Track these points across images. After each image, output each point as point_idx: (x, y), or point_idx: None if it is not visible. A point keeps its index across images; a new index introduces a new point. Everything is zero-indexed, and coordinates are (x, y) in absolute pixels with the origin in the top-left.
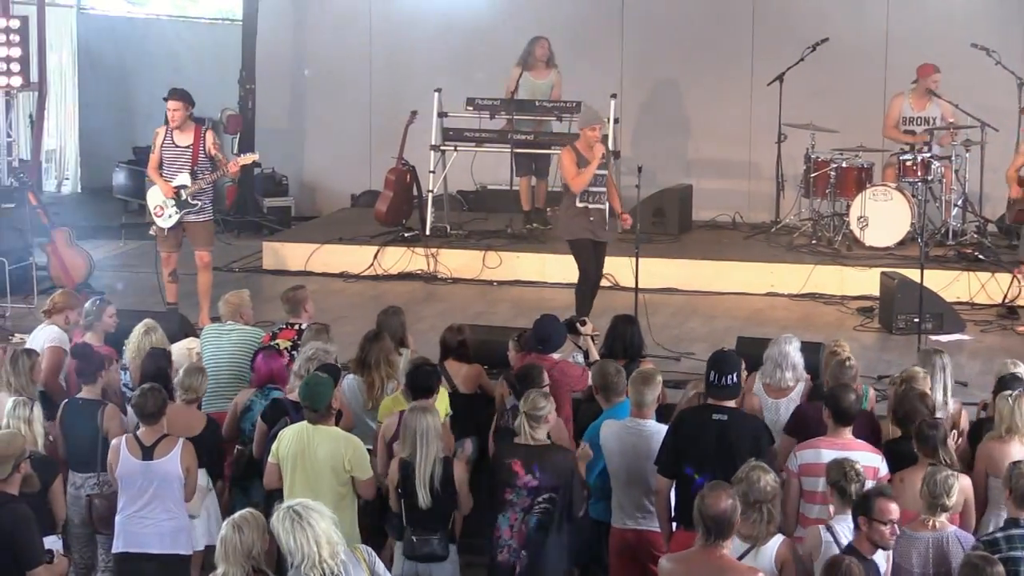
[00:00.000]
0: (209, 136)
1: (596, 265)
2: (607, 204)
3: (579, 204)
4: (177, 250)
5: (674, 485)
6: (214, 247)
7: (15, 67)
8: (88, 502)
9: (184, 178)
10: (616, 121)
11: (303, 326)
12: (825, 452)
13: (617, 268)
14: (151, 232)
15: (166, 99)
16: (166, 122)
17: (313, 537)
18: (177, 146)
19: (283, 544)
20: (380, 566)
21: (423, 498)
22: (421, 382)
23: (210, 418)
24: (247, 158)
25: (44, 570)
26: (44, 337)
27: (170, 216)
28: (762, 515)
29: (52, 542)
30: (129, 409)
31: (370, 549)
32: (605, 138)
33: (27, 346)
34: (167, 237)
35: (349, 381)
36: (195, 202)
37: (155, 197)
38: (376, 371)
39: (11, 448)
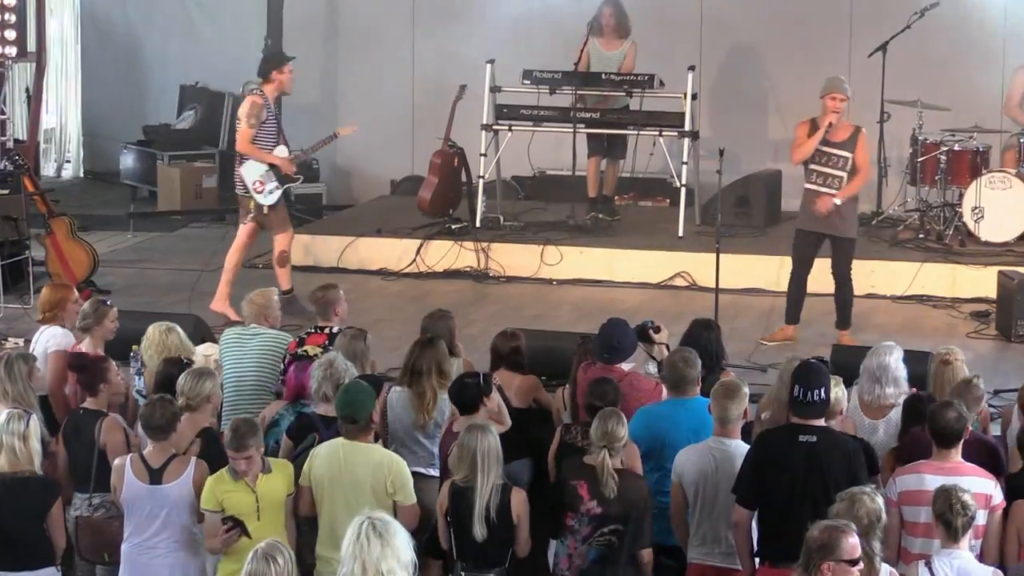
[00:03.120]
0: None
1: (837, 263)
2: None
3: (807, 185)
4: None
5: (756, 516)
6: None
7: (9, 34)
8: (74, 524)
9: (283, 150)
10: (694, 97)
11: (334, 330)
12: (929, 477)
13: (695, 266)
14: (248, 220)
15: (279, 67)
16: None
17: (381, 547)
18: (275, 117)
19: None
20: None
21: (479, 530)
22: (465, 397)
23: (207, 429)
24: (346, 129)
25: None
26: (45, 340)
27: (271, 192)
28: None
29: (50, 574)
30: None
31: None
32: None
33: (31, 351)
34: (277, 215)
35: (396, 394)
36: (298, 175)
37: (254, 171)
38: (428, 380)
39: None
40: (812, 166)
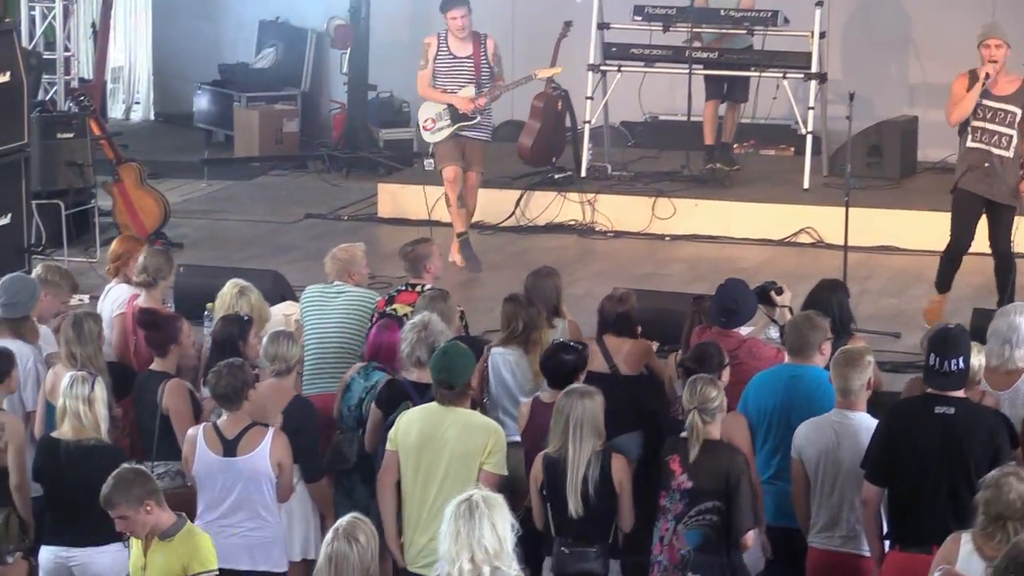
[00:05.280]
0: (490, 45)
1: (995, 233)
2: (1013, 152)
3: (970, 143)
4: (461, 162)
5: (886, 494)
6: (483, 168)
7: None
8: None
9: (470, 91)
10: (822, 35)
11: (427, 288)
12: None
13: (822, 221)
14: (427, 165)
15: (444, 9)
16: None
17: (456, 535)
18: (456, 57)
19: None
20: None
21: (573, 504)
22: (555, 370)
23: (298, 397)
24: (546, 71)
25: None
26: (112, 302)
27: (441, 129)
28: (1007, 534)
29: (116, 550)
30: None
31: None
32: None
33: (97, 309)
34: (441, 150)
35: (502, 356)
36: (474, 116)
37: (428, 110)
38: (545, 337)
39: None
40: (975, 123)
